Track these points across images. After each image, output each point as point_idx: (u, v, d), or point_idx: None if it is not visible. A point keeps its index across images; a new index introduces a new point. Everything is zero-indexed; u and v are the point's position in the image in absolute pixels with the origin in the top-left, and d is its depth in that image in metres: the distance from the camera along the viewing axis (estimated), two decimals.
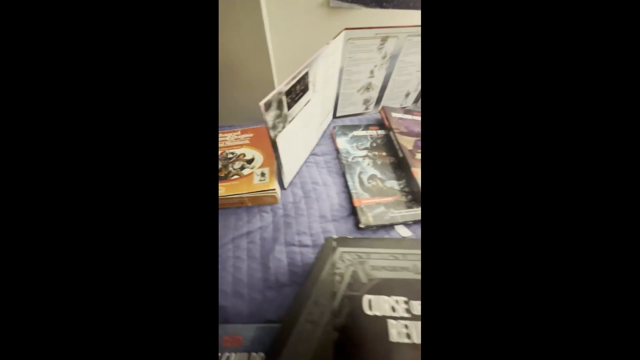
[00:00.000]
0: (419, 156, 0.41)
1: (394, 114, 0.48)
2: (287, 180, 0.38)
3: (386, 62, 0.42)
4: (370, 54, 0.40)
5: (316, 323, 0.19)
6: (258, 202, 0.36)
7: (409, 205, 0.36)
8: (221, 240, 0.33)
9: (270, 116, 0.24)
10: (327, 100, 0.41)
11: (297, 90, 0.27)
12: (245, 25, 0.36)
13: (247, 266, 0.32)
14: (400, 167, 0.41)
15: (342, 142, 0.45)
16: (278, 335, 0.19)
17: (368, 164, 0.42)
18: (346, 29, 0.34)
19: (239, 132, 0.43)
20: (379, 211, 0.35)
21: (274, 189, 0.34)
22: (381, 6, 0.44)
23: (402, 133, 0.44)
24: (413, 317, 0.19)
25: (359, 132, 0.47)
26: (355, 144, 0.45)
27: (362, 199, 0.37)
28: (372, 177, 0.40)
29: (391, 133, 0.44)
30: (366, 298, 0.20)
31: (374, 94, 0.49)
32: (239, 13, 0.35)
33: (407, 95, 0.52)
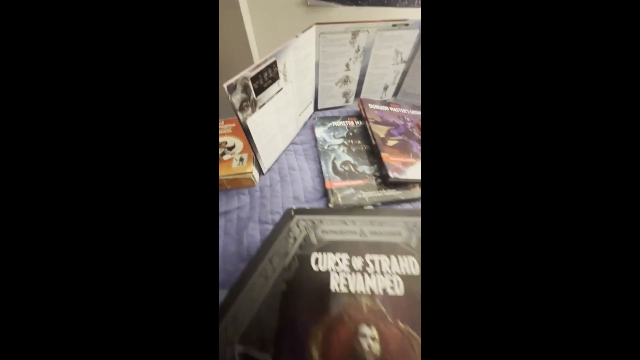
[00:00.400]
0: (390, 143, 0.43)
1: (371, 106, 0.51)
2: (265, 166, 0.40)
3: (360, 56, 0.45)
4: (343, 48, 0.42)
5: (268, 277, 0.22)
6: (236, 185, 0.39)
7: (379, 188, 0.39)
8: None
9: (236, 99, 0.27)
10: (305, 91, 0.44)
11: (265, 78, 0.30)
12: (227, 24, 0.40)
13: (223, 242, 0.35)
14: (373, 154, 0.43)
15: (320, 132, 0.48)
16: (234, 287, 0.21)
17: (343, 151, 0.44)
18: (317, 23, 0.37)
19: (222, 122, 0.46)
20: (349, 193, 0.38)
21: (250, 172, 0.37)
22: (357, 4, 0.47)
23: (376, 122, 0.47)
24: (352, 271, 0.21)
25: (337, 123, 0.50)
26: (332, 133, 0.48)
27: (333, 182, 0.39)
28: (345, 162, 0.43)
29: (366, 122, 0.46)
30: (314, 256, 0.22)
31: (352, 87, 0.52)
32: (221, 12, 0.38)
33: (386, 88, 0.55)
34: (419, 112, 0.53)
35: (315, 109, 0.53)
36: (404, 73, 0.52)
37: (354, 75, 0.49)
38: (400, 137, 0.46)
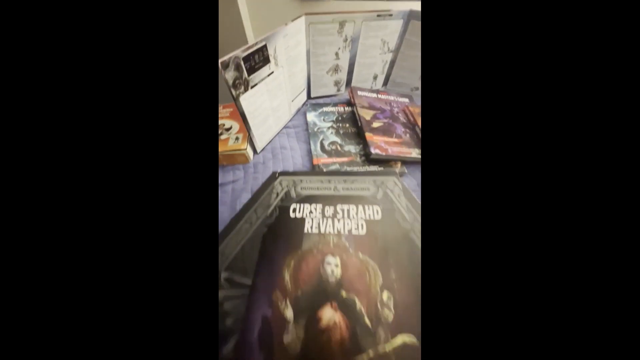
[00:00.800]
0: (375, 125, 0.47)
1: (360, 93, 0.54)
2: (259, 146, 0.44)
3: (348, 45, 0.49)
4: (332, 38, 0.46)
5: (252, 224, 0.25)
6: (232, 161, 0.43)
7: (362, 164, 0.42)
8: None
9: (229, 75, 0.31)
10: (297, 78, 0.48)
11: (256, 60, 0.34)
12: (226, 15, 0.44)
13: (219, 210, 0.39)
14: (359, 135, 0.47)
15: (311, 116, 0.52)
16: (223, 231, 0.25)
17: (331, 133, 0.48)
18: (306, 13, 0.41)
19: (221, 107, 0.50)
20: (334, 168, 0.41)
21: (244, 149, 0.41)
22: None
23: (363, 107, 0.50)
24: (324, 217, 0.24)
25: (328, 109, 0.54)
26: (322, 118, 0.52)
27: (320, 159, 0.43)
28: (332, 142, 0.46)
29: (354, 107, 0.50)
30: (292, 206, 0.26)
31: (343, 76, 0.55)
32: (220, 4, 0.42)
33: (375, 77, 0.58)
34: (407, 100, 0.56)
35: (309, 97, 0.57)
36: (392, 62, 0.55)
37: (344, 64, 0.52)
38: (385, 120, 0.49)
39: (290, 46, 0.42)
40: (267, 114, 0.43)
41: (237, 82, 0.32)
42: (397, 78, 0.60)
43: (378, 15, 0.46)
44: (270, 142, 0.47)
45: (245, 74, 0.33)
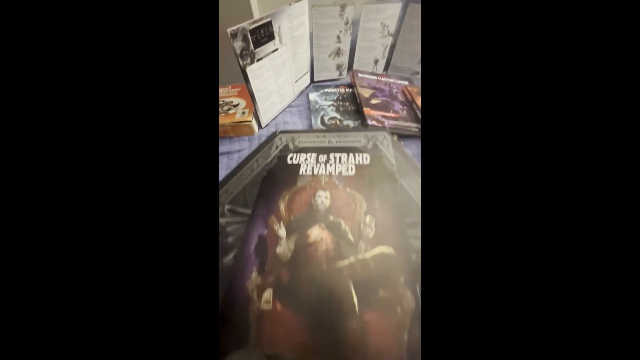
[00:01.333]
0: (373, 101, 0.49)
1: (361, 75, 0.57)
2: (264, 121, 0.47)
3: (349, 28, 0.52)
4: (333, 20, 0.49)
5: (253, 170, 0.28)
6: (238, 132, 0.46)
7: None
8: None
9: (237, 45, 0.34)
10: (300, 59, 0.52)
11: (262, 34, 0.37)
12: (237, 5, 0.48)
13: (222, 174, 0.42)
14: (358, 112, 0.49)
15: (313, 96, 0.55)
16: (227, 176, 0.28)
17: (331, 110, 0.51)
18: None
19: (229, 87, 0.54)
20: None
21: (250, 120, 0.45)
22: None
23: (363, 87, 0.53)
24: (317, 163, 0.27)
25: (329, 90, 0.57)
26: (324, 97, 0.55)
27: None
28: (332, 118, 0.49)
29: (355, 87, 0.52)
30: (290, 155, 0.28)
31: (344, 60, 0.58)
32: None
33: (376, 62, 0.61)
34: (406, 82, 0.58)
35: (312, 81, 0.60)
36: (392, 47, 0.58)
37: (345, 48, 0.55)
38: (383, 98, 0.51)
39: (293, 26, 0.45)
40: (272, 90, 0.47)
41: (244, 52, 0.36)
42: (397, 62, 0.62)
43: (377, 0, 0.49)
44: (274, 119, 0.51)
45: (251, 46, 0.37)
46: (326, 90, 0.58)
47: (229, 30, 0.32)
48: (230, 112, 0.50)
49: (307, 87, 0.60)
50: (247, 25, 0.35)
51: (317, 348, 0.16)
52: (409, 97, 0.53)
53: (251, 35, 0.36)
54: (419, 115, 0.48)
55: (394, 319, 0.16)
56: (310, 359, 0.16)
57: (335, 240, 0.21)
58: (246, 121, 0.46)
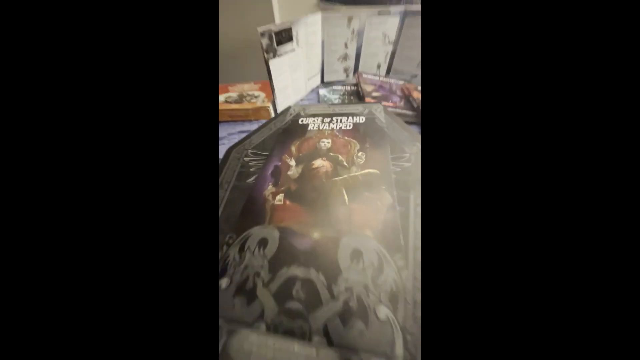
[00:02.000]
0: (374, 94, 0.56)
1: (364, 75, 0.66)
2: (280, 108, 0.56)
3: (355, 37, 0.61)
4: (341, 29, 0.59)
5: (271, 129, 0.35)
6: (257, 116, 0.55)
7: None
8: (226, 132, 0.52)
9: (264, 41, 0.44)
10: (313, 61, 0.61)
11: (283, 35, 0.47)
12: (260, 5, 0.60)
13: None
14: (361, 102, 0.56)
15: (322, 91, 0.64)
16: (249, 134, 0.35)
17: (338, 102, 0.58)
18: (322, 9, 0.55)
19: (252, 83, 0.64)
20: None
21: (268, 106, 0.53)
22: (356, 4, 0.65)
23: (366, 83, 0.61)
24: (322, 122, 0.34)
25: (337, 87, 0.65)
26: (332, 92, 0.63)
27: None
28: None
29: (359, 84, 0.60)
30: (301, 119, 0.35)
31: (351, 64, 0.68)
32: (256, 4, 0.58)
33: (379, 66, 0.70)
34: (406, 83, 0.66)
35: (322, 82, 0.69)
36: (393, 53, 0.67)
37: (351, 53, 0.65)
38: (384, 92, 0.58)
39: (309, 32, 0.55)
40: (287, 83, 0.56)
41: (269, 48, 0.45)
42: (398, 67, 0.70)
43: (379, 13, 0.59)
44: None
45: (274, 44, 0.46)
46: (334, 87, 0.67)
47: (259, 29, 0.42)
48: (252, 101, 0.60)
49: (317, 87, 0.70)
50: (273, 27, 0.45)
51: (315, 222, 0.21)
52: (407, 92, 0.61)
53: (275, 35, 0.46)
54: (414, 105, 0.55)
55: (374, 207, 0.22)
56: (309, 228, 0.21)
57: (333, 166, 0.26)
58: (265, 107, 0.55)
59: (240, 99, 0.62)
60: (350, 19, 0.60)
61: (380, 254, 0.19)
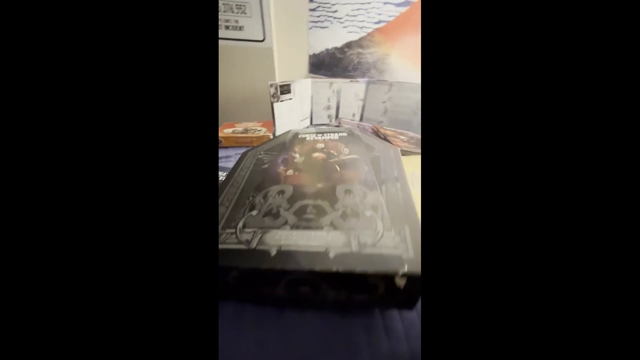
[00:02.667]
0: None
1: (344, 120, 0.86)
2: None
3: (335, 95, 0.84)
4: (325, 90, 0.82)
5: (277, 141, 0.46)
6: (260, 142, 0.67)
7: None
8: (234, 152, 0.62)
9: (271, 90, 0.60)
10: (304, 107, 0.80)
11: (284, 89, 0.65)
12: (264, 69, 0.82)
13: None
14: None
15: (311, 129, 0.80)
16: (262, 145, 0.46)
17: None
18: (311, 77, 0.77)
19: (256, 122, 0.80)
20: None
21: (270, 135, 0.66)
22: (336, 77, 0.92)
23: (345, 124, 0.79)
24: (317, 135, 0.46)
25: (323, 127, 0.83)
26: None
27: None
28: None
29: (340, 125, 0.79)
30: (300, 135, 0.48)
31: (333, 112, 0.89)
32: (259, 65, 0.81)
33: (354, 115, 0.92)
34: (375, 124, 0.87)
35: (311, 123, 0.88)
36: (363, 106, 0.90)
37: (333, 105, 0.87)
38: (360, 130, 0.76)
39: (302, 89, 0.76)
40: (286, 121, 0.72)
41: (274, 95, 0.62)
42: (367, 115, 0.93)
43: (351, 81, 0.84)
44: None
45: (278, 92, 0.64)
46: (321, 127, 0.86)
47: (269, 82, 0.60)
48: (255, 133, 0.74)
49: (307, 127, 0.88)
50: (278, 82, 0.63)
51: (318, 180, 0.30)
52: (375, 129, 0.80)
53: (279, 87, 0.64)
54: (382, 137, 0.72)
55: (357, 173, 0.31)
56: (314, 184, 0.29)
57: (327, 156, 0.37)
58: (267, 135, 0.69)
59: (245, 131, 0.77)
60: (331, 83, 0.84)
61: (363, 190, 0.28)
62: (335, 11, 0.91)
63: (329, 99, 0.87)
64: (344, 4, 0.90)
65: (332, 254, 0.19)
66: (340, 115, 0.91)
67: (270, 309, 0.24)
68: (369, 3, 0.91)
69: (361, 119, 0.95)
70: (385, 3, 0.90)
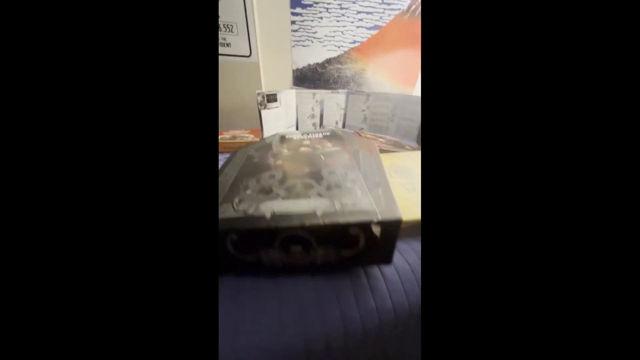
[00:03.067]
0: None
1: (327, 127, 0.92)
2: None
3: (319, 104, 0.91)
4: (309, 100, 0.89)
5: (266, 141, 0.50)
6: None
7: None
8: (222, 157, 0.64)
9: (259, 98, 0.65)
10: (289, 117, 0.85)
11: (271, 98, 0.70)
12: (252, 81, 0.87)
13: None
14: None
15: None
16: (251, 144, 0.49)
17: None
18: (295, 88, 0.84)
19: (244, 130, 0.83)
20: None
21: (256, 139, 0.70)
22: (317, 88, 1.00)
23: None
24: (302, 135, 0.50)
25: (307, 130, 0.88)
26: None
27: None
28: None
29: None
30: (287, 135, 0.52)
31: (317, 120, 0.95)
32: (248, 78, 0.86)
33: (337, 122, 0.99)
34: (356, 130, 0.94)
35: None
36: (345, 115, 0.98)
37: (317, 114, 0.93)
38: None
39: (288, 99, 0.82)
40: (273, 128, 0.76)
41: (262, 103, 0.67)
42: (349, 123, 1.01)
43: (332, 92, 0.92)
44: None
45: (265, 100, 0.69)
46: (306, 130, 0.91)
47: (257, 91, 0.64)
48: (243, 139, 0.77)
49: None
50: (265, 91, 0.69)
51: (305, 166, 0.33)
52: (358, 134, 0.87)
53: (266, 96, 0.69)
54: None
55: (340, 160, 0.35)
56: (301, 170, 0.32)
57: (312, 150, 0.41)
58: (254, 141, 0.72)
59: (234, 138, 0.80)
60: (314, 94, 0.92)
61: (345, 171, 0.32)
62: (315, 32, 1.02)
63: (312, 108, 0.94)
64: (322, 27, 1.02)
65: (319, 213, 0.23)
66: (324, 123, 0.98)
67: (266, 278, 0.26)
68: (344, 27, 1.03)
69: (344, 126, 1.03)
70: (357, 27, 1.03)
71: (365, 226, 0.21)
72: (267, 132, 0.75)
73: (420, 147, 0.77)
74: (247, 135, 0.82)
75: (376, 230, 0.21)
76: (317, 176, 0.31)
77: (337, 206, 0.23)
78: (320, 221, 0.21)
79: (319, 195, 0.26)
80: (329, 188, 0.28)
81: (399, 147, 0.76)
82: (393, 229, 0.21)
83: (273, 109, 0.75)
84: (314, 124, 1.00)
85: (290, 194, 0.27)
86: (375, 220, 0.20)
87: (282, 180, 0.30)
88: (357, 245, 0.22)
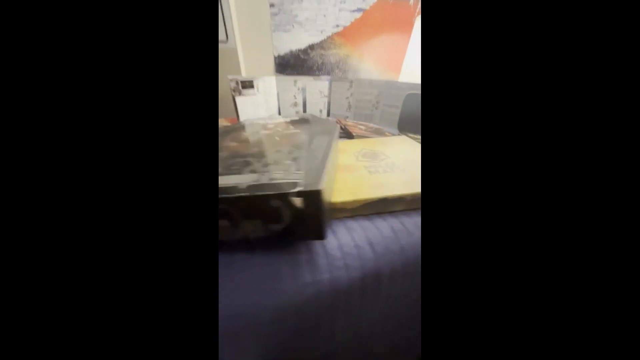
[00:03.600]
0: None
1: (312, 115, 0.91)
2: None
3: (301, 92, 0.90)
4: (290, 87, 0.87)
5: (240, 124, 0.50)
6: None
7: None
8: None
9: (232, 85, 0.64)
10: (270, 104, 0.85)
11: (247, 83, 0.69)
12: (230, 66, 0.86)
13: None
14: None
15: None
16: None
17: None
18: (276, 75, 0.83)
19: (223, 119, 0.83)
20: None
21: None
22: (299, 74, 0.98)
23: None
24: (273, 119, 0.50)
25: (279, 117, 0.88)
26: None
27: None
28: None
29: None
30: (260, 120, 0.51)
31: (300, 109, 0.94)
32: (228, 66, 0.85)
33: (320, 111, 0.97)
34: (340, 118, 0.93)
35: None
36: (329, 103, 0.97)
37: (300, 102, 0.92)
38: None
39: (267, 86, 0.81)
40: (251, 116, 0.76)
41: (235, 89, 0.66)
42: (333, 111, 1.00)
43: (314, 79, 0.90)
44: None
45: (240, 87, 0.68)
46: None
47: (229, 76, 0.64)
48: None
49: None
50: (239, 77, 0.68)
51: (254, 147, 0.33)
52: (340, 122, 0.86)
53: (240, 82, 0.69)
54: (344, 128, 0.78)
55: (296, 139, 0.35)
56: (246, 150, 0.32)
57: (272, 133, 0.41)
58: None
59: None
60: (295, 81, 0.90)
61: (291, 149, 0.32)
62: (296, 15, 0.99)
63: (295, 95, 0.92)
64: (303, 10, 0.99)
65: (243, 186, 0.22)
66: (307, 112, 0.97)
67: None
68: (326, 9, 1.00)
69: (328, 115, 1.01)
70: (340, 10, 1.00)
71: (284, 197, 0.21)
72: (244, 119, 0.75)
73: (399, 134, 0.75)
74: (226, 123, 0.82)
75: (297, 201, 0.21)
76: (259, 155, 0.31)
77: (265, 180, 0.23)
78: (242, 193, 0.21)
79: (252, 171, 0.26)
80: (265, 164, 0.27)
81: (380, 134, 0.75)
82: (315, 201, 0.20)
83: (250, 96, 0.74)
84: (297, 112, 0.98)
85: (226, 171, 0.27)
86: (293, 190, 0.20)
87: (225, 159, 0.30)
88: (282, 219, 0.22)
